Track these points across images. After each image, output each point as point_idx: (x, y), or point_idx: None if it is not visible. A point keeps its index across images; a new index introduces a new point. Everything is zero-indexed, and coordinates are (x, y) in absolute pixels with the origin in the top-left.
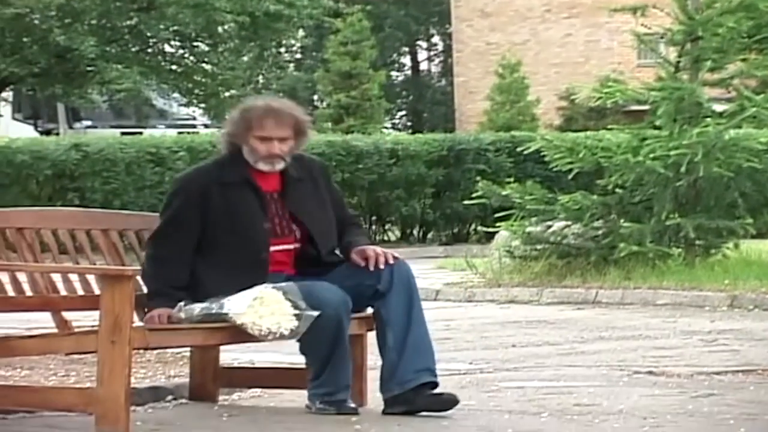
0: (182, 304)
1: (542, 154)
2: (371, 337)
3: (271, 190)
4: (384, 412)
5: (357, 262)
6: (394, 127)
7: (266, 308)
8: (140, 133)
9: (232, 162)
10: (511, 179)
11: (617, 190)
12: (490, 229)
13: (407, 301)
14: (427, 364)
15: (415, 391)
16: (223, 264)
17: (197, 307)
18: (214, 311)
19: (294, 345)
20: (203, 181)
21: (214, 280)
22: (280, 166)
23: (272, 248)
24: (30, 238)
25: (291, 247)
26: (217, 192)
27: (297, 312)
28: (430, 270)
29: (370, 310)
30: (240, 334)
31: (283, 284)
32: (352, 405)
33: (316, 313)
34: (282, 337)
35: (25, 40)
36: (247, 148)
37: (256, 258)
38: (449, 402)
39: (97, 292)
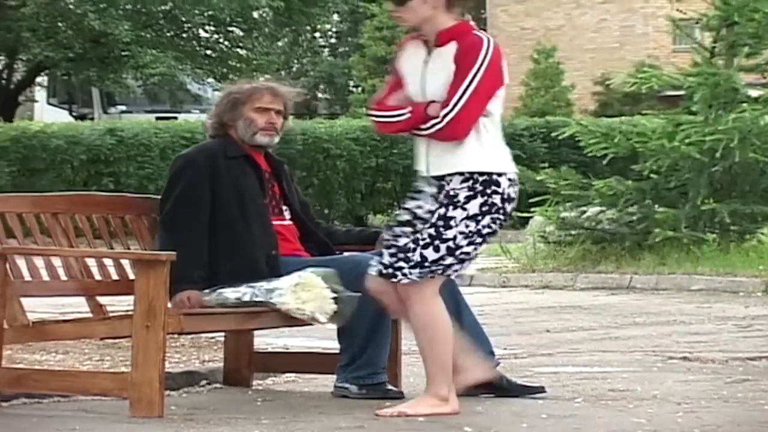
0: (214, 288)
1: (577, 139)
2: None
3: (265, 169)
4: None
5: None
6: None
7: (308, 293)
8: (175, 118)
9: (227, 140)
10: (546, 164)
11: (652, 175)
12: (525, 215)
13: (451, 288)
14: (487, 348)
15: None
16: (237, 241)
17: (230, 295)
18: (249, 299)
19: (327, 330)
20: (210, 155)
21: (229, 258)
22: (276, 139)
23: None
24: (65, 223)
25: (285, 223)
26: (224, 165)
27: (335, 296)
28: None
29: None
30: (274, 320)
31: (320, 269)
32: (395, 388)
33: (357, 295)
34: (327, 321)
35: (59, 24)
36: (243, 122)
37: (267, 232)
38: (539, 389)
39: (131, 276)
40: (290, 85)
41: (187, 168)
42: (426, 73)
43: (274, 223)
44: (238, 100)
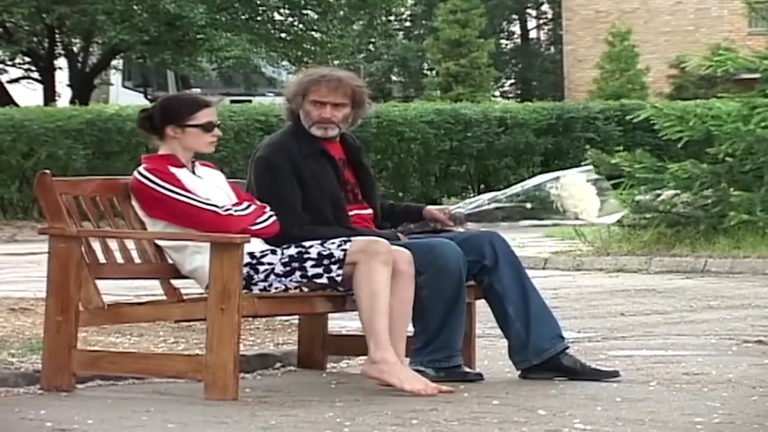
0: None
1: (652, 122)
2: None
3: (338, 157)
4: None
5: (436, 218)
6: (502, 95)
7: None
8: (249, 101)
9: (300, 131)
10: (621, 148)
11: (727, 158)
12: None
13: (516, 271)
14: (557, 331)
15: (556, 359)
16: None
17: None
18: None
19: None
20: (288, 155)
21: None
22: (332, 132)
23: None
24: None
25: (364, 212)
26: (302, 163)
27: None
28: (538, 238)
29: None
30: (347, 303)
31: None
32: (472, 370)
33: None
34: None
35: (135, 7)
36: (303, 113)
37: (346, 224)
38: (613, 373)
39: None
40: (363, 71)
41: (274, 165)
42: None
43: (352, 213)
44: (299, 92)
